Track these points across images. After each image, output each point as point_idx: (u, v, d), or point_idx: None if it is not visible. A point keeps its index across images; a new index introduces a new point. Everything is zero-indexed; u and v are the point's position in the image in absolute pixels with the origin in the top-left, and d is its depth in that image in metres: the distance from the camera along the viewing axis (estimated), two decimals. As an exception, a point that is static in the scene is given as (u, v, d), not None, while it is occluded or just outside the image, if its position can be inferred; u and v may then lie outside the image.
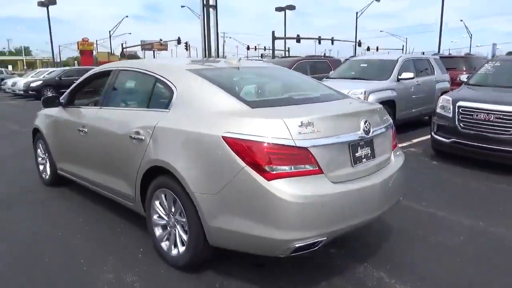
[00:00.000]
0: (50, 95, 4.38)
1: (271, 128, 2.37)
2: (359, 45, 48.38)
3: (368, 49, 53.22)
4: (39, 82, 20.14)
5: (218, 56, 33.72)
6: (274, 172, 2.32)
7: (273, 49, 40.00)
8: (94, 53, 51.73)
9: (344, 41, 49.36)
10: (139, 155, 3.04)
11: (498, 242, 3.36)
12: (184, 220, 2.76)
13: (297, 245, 2.35)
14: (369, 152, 2.79)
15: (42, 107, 4.61)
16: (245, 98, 2.82)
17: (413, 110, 8.11)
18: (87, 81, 4.30)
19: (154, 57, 59.80)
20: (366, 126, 2.71)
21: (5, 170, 5.93)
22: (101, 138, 3.59)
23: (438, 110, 6.14)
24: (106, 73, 3.88)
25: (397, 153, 3.19)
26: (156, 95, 3.18)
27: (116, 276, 2.88)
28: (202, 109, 2.76)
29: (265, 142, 2.33)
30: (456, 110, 5.74)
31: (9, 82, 22.84)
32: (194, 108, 2.81)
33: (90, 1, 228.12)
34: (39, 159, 5.07)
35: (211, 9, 33.26)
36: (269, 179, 2.31)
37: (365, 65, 8.63)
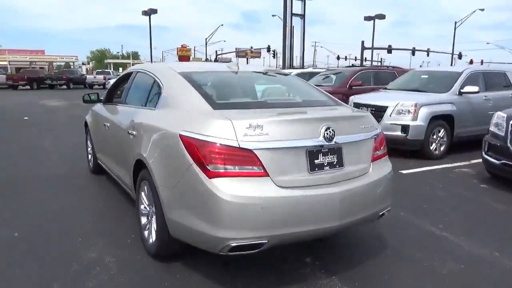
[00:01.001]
0: (91, 93, 4.92)
1: (218, 129, 2.45)
2: (459, 57, 44.73)
3: (471, 62, 48.88)
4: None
5: (302, 66, 33.93)
6: (216, 171, 2.39)
7: (362, 59, 38.88)
8: (191, 58, 55.39)
9: (441, 52, 45.99)
10: (132, 149, 3.33)
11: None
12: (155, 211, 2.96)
13: (233, 244, 2.40)
14: (335, 160, 2.71)
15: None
16: (215, 100, 2.93)
17: (477, 128, 7.35)
18: (120, 81, 4.79)
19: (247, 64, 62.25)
20: (327, 133, 2.64)
21: (71, 156, 6.77)
22: (115, 132, 3.98)
23: (492, 128, 5.54)
24: (130, 74, 4.29)
25: (382, 164, 3.02)
26: (152, 95, 3.45)
27: (98, 255, 3.18)
28: (177, 109, 2.95)
29: (209, 142, 2.42)
30: (510, 129, 5.12)
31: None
32: (171, 108, 3.00)
33: (193, 10, 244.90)
34: (88, 149, 5.72)
35: (298, 18, 33.67)
36: (210, 177, 2.39)
37: (426, 76, 8.07)
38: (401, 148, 6.84)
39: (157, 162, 2.84)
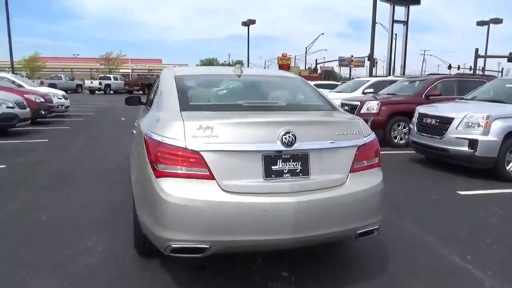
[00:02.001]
0: (134, 95, 5.30)
1: (170, 129, 2.44)
2: None
3: None
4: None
5: (403, 74, 31.90)
6: (163, 171, 2.38)
7: (474, 68, 35.19)
8: (290, 67, 56.10)
9: None
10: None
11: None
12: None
13: (173, 246, 2.36)
14: (299, 168, 2.49)
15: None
16: (189, 102, 2.92)
17: None
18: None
19: (349, 73, 60.45)
20: (286, 138, 2.44)
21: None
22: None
23: None
24: (156, 78, 4.53)
25: (367, 176, 2.69)
26: (155, 98, 3.58)
27: (93, 244, 3.39)
28: (160, 110, 3.00)
29: (160, 141, 2.42)
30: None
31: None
32: (157, 109, 3.07)
33: (300, 20, 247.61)
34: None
35: (401, 25, 31.81)
36: (157, 177, 2.39)
37: (511, 85, 6.94)
38: (469, 166, 6.00)
39: (132, 159, 2.95)
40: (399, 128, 8.78)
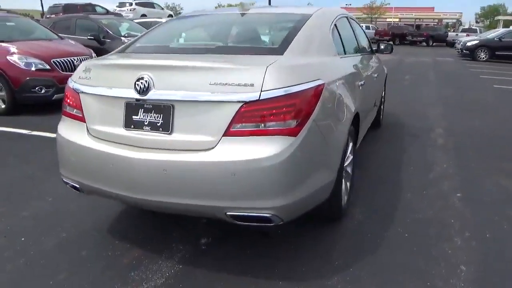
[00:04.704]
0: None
1: (76, 71, 2.51)
2: None
3: None
4: (474, 42, 19.43)
5: None
6: (64, 110, 2.52)
7: None
8: None
9: None
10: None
11: None
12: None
13: (64, 180, 2.51)
14: (160, 121, 2.10)
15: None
16: (137, 44, 2.81)
17: None
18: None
19: None
20: (139, 85, 2.07)
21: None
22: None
23: None
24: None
25: (254, 144, 1.99)
26: None
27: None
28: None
29: (67, 83, 2.53)
30: None
31: (463, 40, 23.26)
32: None
33: None
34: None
35: None
36: (62, 115, 2.56)
37: None
38: None
39: None
40: None
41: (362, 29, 4.54)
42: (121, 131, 2.21)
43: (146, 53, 2.63)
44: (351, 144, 2.95)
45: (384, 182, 3.61)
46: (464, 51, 19.75)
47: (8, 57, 5.90)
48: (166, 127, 2.11)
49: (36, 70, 5.96)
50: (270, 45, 2.60)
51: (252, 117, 1.99)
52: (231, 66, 2.07)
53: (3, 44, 6.18)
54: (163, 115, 2.11)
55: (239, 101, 1.98)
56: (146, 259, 2.41)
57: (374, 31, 36.53)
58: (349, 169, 3.03)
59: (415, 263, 2.39)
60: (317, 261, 2.40)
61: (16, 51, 6.02)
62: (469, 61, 18.15)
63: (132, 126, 2.18)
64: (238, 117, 1.99)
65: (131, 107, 2.18)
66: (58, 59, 6.22)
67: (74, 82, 2.42)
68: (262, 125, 1.99)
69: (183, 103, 2.07)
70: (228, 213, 2.06)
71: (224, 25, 3.17)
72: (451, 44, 32.37)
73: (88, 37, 9.01)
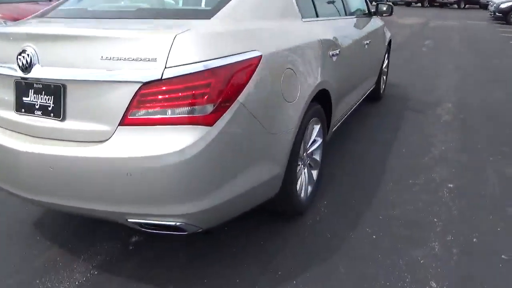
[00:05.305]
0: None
1: None
2: None
3: None
4: (508, 4, 17.85)
5: None
6: None
7: None
8: None
9: None
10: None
11: None
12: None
13: None
14: (51, 105, 1.71)
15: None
16: (68, 7, 2.34)
17: None
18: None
19: None
20: (21, 59, 1.68)
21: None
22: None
23: None
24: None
25: (153, 136, 1.57)
26: None
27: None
28: None
29: None
30: None
31: (497, 1, 21.61)
32: None
33: None
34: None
35: None
36: None
37: None
38: None
39: None
40: None
41: None
42: (12, 115, 1.84)
43: (53, 18, 2.19)
44: (316, 128, 2.50)
45: (365, 169, 3.14)
46: (497, 13, 18.24)
47: None
48: (57, 112, 1.71)
49: None
50: (203, 7, 2.12)
51: (153, 102, 1.56)
52: (130, 36, 1.61)
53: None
54: (54, 98, 1.71)
55: (137, 81, 1.56)
56: (61, 262, 2.09)
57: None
58: (316, 156, 2.60)
59: (375, 276, 1.97)
60: (257, 269, 2.02)
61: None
62: (502, 25, 16.79)
63: (23, 109, 1.80)
64: (136, 102, 1.57)
65: (21, 87, 1.79)
66: None
67: None
68: (168, 111, 1.57)
69: (76, 83, 1.65)
70: (129, 219, 1.68)
71: None
72: (485, 6, 30.13)
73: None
